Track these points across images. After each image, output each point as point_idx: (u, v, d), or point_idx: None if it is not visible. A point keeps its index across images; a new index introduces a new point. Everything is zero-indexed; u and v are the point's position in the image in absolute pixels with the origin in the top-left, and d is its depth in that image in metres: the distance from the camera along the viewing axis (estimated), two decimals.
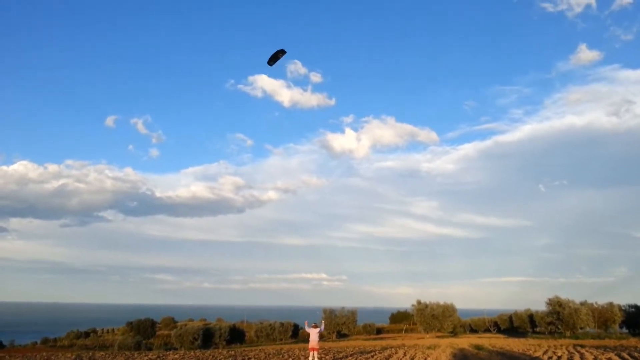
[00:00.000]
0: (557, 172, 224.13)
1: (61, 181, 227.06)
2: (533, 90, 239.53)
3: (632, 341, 36.71)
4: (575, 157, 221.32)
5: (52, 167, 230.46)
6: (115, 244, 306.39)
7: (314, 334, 19.96)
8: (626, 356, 22.15)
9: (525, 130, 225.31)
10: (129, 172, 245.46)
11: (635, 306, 51.72)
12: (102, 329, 74.90)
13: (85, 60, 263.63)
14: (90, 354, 29.65)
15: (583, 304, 48.36)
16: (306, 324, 21.81)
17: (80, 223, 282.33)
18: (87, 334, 67.05)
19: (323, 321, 26.23)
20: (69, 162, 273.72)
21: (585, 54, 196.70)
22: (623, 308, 50.29)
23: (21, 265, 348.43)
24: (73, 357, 24.63)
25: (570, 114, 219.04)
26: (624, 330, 50.56)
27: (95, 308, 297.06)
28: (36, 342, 59.08)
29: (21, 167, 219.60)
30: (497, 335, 52.14)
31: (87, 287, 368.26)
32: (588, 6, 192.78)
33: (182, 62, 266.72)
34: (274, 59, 14.25)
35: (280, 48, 14.24)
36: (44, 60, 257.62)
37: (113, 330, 73.41)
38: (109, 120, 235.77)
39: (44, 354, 29.29)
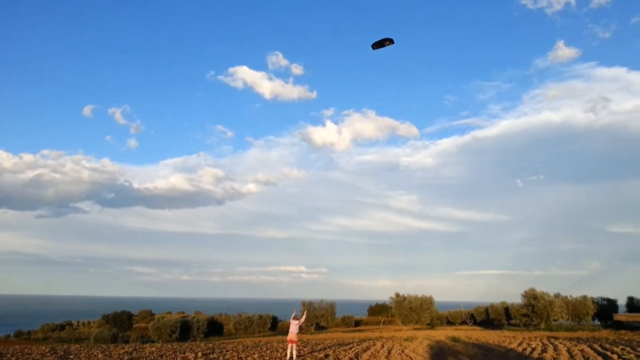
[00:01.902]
0: (534, 168, 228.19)
1: (37, 171, 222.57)
2: (512, 86, 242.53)
3: (604, 333, 37.65)
4: (551, 152, 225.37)
5: (28, 157, 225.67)
6: (92, 235, 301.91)
7: (293, 325, 19.89)
8: (598, 348, 22.68)
9: (503, 125, 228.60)
10: (107, 163, 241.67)
11: (608, 299, 53.21)
12: (78, 322, 73.79)
13: (63, 49, 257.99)
14: (65, 346, 29.10)
15: (557, 296, 49.41)
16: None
17: (56, 214, 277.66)
18: (62, 327, 65.96)
19: (305, 312, 26.17)
20: (45, 152, 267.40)
21: (563, 51, 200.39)
22: (596, 301, 51.65)
23: None
24: (47, 350, 24.14)
25: (547, 110, 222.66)
26: (597, 322, 51.95)
27: (71, 300, 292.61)
28: (9, 335, 57.89)
29: None
30: (474, 327, 52.97)
31: (63, 279, 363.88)
32: (567, 4, 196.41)
33: (162, 52, 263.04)
34: (379, 44, 13.42)
35: (385, 38, 13.27)
36: (20, 49, 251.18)
37: (89, 322, 72.45)
38: (87, 110, 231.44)
39: (17, 347, 28.64)
